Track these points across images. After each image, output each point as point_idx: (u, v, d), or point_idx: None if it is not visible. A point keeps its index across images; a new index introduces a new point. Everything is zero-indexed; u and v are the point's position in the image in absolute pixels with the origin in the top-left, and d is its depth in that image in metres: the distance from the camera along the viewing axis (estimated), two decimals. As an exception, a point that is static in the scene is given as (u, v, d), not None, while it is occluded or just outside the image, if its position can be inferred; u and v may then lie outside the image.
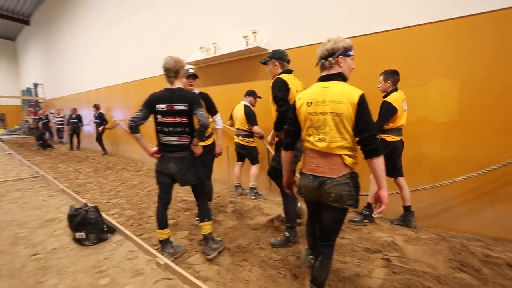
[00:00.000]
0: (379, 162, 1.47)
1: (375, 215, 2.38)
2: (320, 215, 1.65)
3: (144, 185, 4.73)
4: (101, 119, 8.06)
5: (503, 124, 2.49)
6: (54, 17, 12.14)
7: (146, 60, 6.78)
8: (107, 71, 8.57)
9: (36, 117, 10.47)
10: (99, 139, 8.24)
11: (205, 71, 5.03)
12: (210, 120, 2.85)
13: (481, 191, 2.62)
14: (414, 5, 2.84)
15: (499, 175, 2.50)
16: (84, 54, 10.00)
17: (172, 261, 2.16)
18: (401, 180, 2.82)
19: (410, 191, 2.85)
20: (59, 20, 11.61)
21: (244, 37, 4.14)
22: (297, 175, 1.95)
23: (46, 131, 10.24)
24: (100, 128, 8.08)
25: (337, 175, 1.50)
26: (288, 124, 1.76)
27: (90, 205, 2.90)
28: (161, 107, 2.13)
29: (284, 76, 2.33)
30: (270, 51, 3.99)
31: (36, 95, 15.02)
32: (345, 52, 1.54)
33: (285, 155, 1.83)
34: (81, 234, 2.54)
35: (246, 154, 3.98)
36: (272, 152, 2.84)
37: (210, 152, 2.95)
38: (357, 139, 1.49)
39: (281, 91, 2.25)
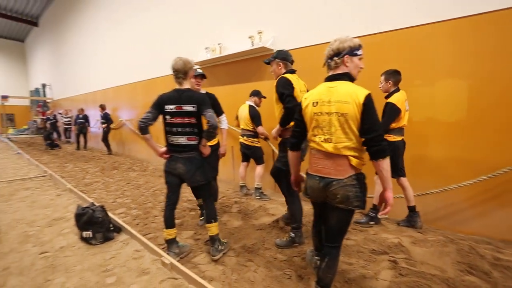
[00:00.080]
0: (385, 164, 1.45)
1: (380, 216, 2.38)
2: (327, 216, 1.64)
3: (149, 184, 4.77)
4: (106, 119, 8.14)
5: (512, 124, 2.45)
6: (62, 18, 12.32)
7: (152, 60, 6.83)
8: (114, 71, 8.65)
9: (44, 117, 10.63)
10: (105, 139, 8.33)
11: (210, 71, 5.04)
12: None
13: (491, 193, 2.57)
14: (420, 4, 2.80)
15: (510, 177, 2.45)
16: (91, 54, 10.13)
17: (178, 261, 2.17)
18: (404, 180, 2.79)
19: (418, 195, 2.82)
20: (67, 21, 11.77)
21: (250, 37, 4.14)
22: (302, 174, 1.95)
23: (53, 131, 10.40)
24: (104, 125, 8.15)
25: (344, 176, 1.49)
26: (294, 124, 1.76)
27: (97, 204, 2.93)
28: (170, 107, 2.15)
29: (288, 76, 2.35)
30: (275, 51, 4.01)
31: (44, 96, 15.26)
32: (352, 51, 1.52)
33: (291, 155, 1.84)
34: (88, 233, 2.57)
35: (250, 154, 3.98)
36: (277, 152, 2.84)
37: (214, 152, 2.96)
38: (363, 139, 1.47)
39: (287, 89, 2.27)
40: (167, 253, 2.25)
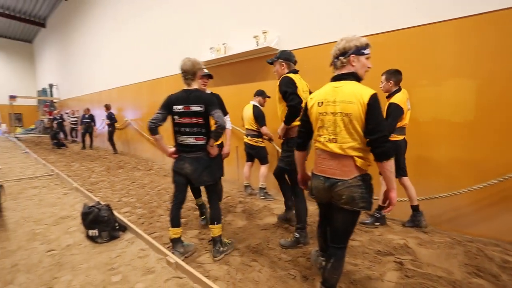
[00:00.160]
0: (389, 165, 1.44)
1: (384, 213, 2.39)
2: (332, 217, 1.63)
3: (154, 184, 4.79)
4: (110, 119, 8.22)
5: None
6: (69, 19, 12.47)
7: (157, 60, 6.87)
8: (119, 71, 8.73)
9: (51, 117, 10.77)
10: (110, 138, 8.40)
11: (215, 71, 5.04)
12: None
13: (500, 196, 2.52)
14: (426, 3, 2.77)
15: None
16: (97, 54, 10.23)
17: (183, 260, 2.18)
18: (405, 179, 2.77)
19: (426, 199, 2.80)
20: (74, 22, 11.92)
21: (254, 37, 4.14)
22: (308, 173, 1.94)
23: (60, 130, 10.53)
24: (107, 122, 8.24)
25: (349, 177, 1.48)
26: (300, 124, 1.77)
27: (102, 203, 2.96)
28: (178, 108, 2.16)
29: (291, 75, 2.37)
30: (279, 51, 4.00)
31: (51, 95, 15.47)
32: (358, 50, 1.51)
33: (298, 154, 1.85)
34: (94, 232, 2.60)
35: (255, 154, 3.97)
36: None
37: (218, 153, 2.96)
38: (368, 140, 1.45)
39: (290, 87, 2.28)
40: (172, 252, 2.26)
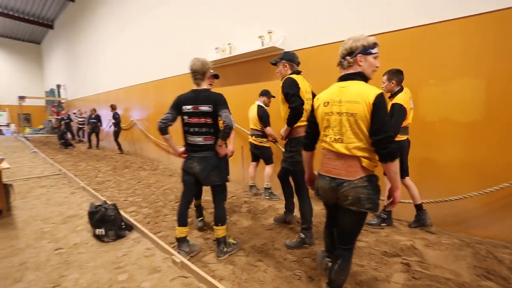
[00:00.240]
0: (394, 166, 1.43)
1: (386, 209, 2.38)
2: (339, 218, 1.62)
3: (160, 183, 4.82)
4: (114, 119, 8.31)
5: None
6: (76, 20, 12.64)
7: (163, 61, 6.92)
8: (126, 72, 8.81)
9: (59, 117, 10.92)
10: (116, 139, 8.49)
11: (220, 72, 5.03)
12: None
13: (511, 198, 2.48)
14: (432, 1, 2.74)
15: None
16: (103, 55, 10.34)
17: (188, 260, 2.18)
18: (408, 180, 2.75)
19: (435, 202, 2.76)
20: (81, 23, 12.07)
21: (260, 37, 4.13)
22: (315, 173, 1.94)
23: (67, 130, 10.67)
24: (113, 121, 8.33)
25: (355, 178, 1.47)
26: (307, 125, 1.77)
27: (109, 202, 2.98)
28: (187, 108, 2.18)
29: (294, 76, 2.38)
30: (283, 51, 4.00)
31: (59, 96, 15.69)
32: (365, 50, 1.49)
33: (305, 155, 1.85)
34: (100, 231, 2.62)
35: (259, 154, 3.97)
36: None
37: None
38: (373, 140, 1.43)
39: (292, 89, 2.30)
40: (178, 252, 2.27)
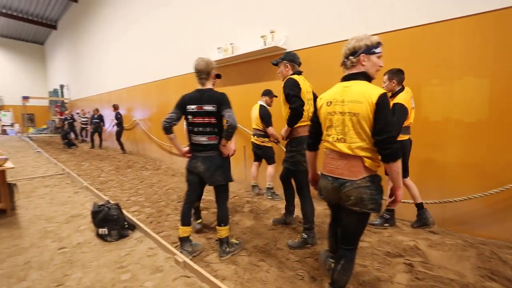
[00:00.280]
0: (397, 167, 1.43)
1: (388, 207, 2.39)
2: (341, 219, 1.62)
3: (162, 183, 4.84)
4: (116, 119, 8.36)
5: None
6: (79, 21, 12.71)
7: (165, 61, 6.93)
8: (128, 72, 8.84)
9: (62, 117, 10.98)
10: (118, 138, 8.53)
11: (223, 71, 5.02)
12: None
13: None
14: (435, 1, 2.72)
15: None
16: (106, 55, 10.39)
17: (191, 259, 2.19)
18: (408, 179, 2.74)
19: (440, 202, 2.75)
20: (84, 23, 12.14)
21: (262, 36, 4.13)
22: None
23: (70, 130, 10.73)
24: (115, 121, 8.38)
25: (357, 178, 1.46)
26: (311, 125, 1.77)
27: (112, 202, 3.00)
28: (191, 107, 2.18)
29: (295, 77, 2.39)
30: (288, 50, 3.99)
31: (62, 96, 15.78)
32: (369, 50, 1.49)
33: (308, 155, 1.85)
34: (103, 230, 2.64)
35: (261, 154, 3.97)
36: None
37: None
38: (375, 140, 1.43)
39: (293, 90, 2.31)
40: (180, 251, 2.27)
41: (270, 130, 3.68)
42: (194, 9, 5.79)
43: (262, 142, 3.86)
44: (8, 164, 3.24)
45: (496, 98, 2.48)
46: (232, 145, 3.07)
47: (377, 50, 1.50)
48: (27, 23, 15.51)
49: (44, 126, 16.96)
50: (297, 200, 2.63)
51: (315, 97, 2.64)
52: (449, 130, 2.75)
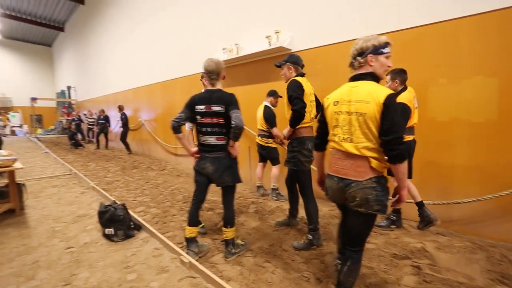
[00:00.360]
0: (403, 167, 1.42)
1: (391, 207, 2.36)
2: (347, 220, 1.61)
3: (168, 184, 4.86)
4: (121, 120, 8.45)
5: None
6: (86, 23, 12.87)
7: (169, 62, 6.98)
8: (134, 73, 8.91)
9: (69, 118, 11.13)
10: (122, 139, 8.61)
11: (227, 72, 5.04)
12: None
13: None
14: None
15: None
16: (112, 57, 10.50)
17: (196, 260, 2.19)
18: (409, 181, 2.70)
19: (449, 203, 2.71)
20: (91, 24, 12.28)
21: (267, 37, 4.13)
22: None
23: (77, 131, 10.87)
24: (121, 122, 8.48)
25: (363, 178, 1.45)
26: (318, 125, 1.76)
27: (118, 202, 3.02)
28: (200, 108, 2.19)
29: (299, 78, 2.42)
30: (293, 50, 3.98)
31: (69, 97, 16.01)
32: (376, 50, 1.48)
33: (316, 155, 1.85)
34: (110, 230, 2.66)
35: (266, 154, 3.96)
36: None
37: None
38: (382, 141, 1.41)
39: (295, 91, 2.34)
40: (186, 252, 2.28)
41: (275, 131, 3.67)
42: (198, 10, 5.81)
43: (266, 143, 3.86)
44: (17, 165, 3.29)
45: (506, 98, 2.43)
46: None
47: (385, 50, 1.49)
48: (36, 25, 15.80)
49: (52, 127, 17.23)
50: (301, 201, 2.62)
51: (316, 99, 2.65)
52: (457, 130, 2.71)
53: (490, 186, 2.51)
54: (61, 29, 16.69)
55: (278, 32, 4.04)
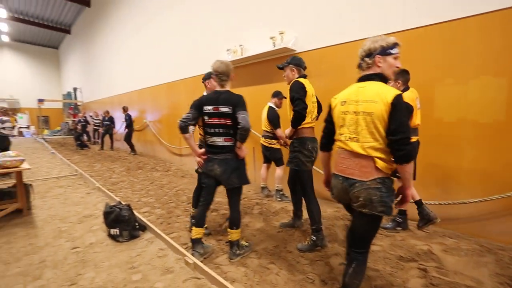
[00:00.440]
0: (409, 168, 1.42)
1: (395, 207, 2.34)
2: (352, 220, 1.59)
3: (172, 185, 4.88)
4: (125, 121, 8.52)
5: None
6: (91, 25, 13.03)
7: (174, 64, 7.02)
8: (139, 74, 8.98)
9: (76, 119, 11.26)
10: (127, 139, 8.68)
11: (231, 73, 5.09)
12: None
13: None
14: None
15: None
16: (117, 59, 10.60)
17: (201, 261, 2.19)
18: None
19: (455, 203, 2.67)
20: (97, 26, 12.42)
21: (271, 38, 4.12)
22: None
23: (83, 132, 10.99)
24: (125, 123, 8.56)
25: (368, 178, 1.44)
26: (324, 125, 1.76)
27: (123, 203, 3.04)
28: (208, 108, 2.21)
29: (302, 80, 2.45)
30: (297, 51, 3.98)
31: (75, 99, 16.19)
32: (384, 51, 1.47)
33: (322, 155, 1.84)
34: (115, 231, 2.68)
35: (269, 155, 3.96)
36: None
37: None
38: (389, 141, 1.40)
39: (298, 93, 2.37)
40: (192, 253, 2.28)
41: (278, 132, 3.67)
42: (202, 11, 5.84)
43: (269, 143, 3.86)
44: (25, 165, 3.33)
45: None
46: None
47: (393, 51, 1.48)
48: (43, 28, 16.05)
49: (58, 128, 17.43)
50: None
51: (317, 101, 2.68)
52: (463, 131, 2.67)
53: (498, 187, 2.47)
54: (67, 31, 16.94)
55: (282, 33, 4.03)
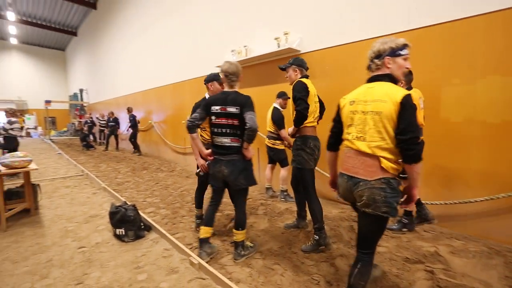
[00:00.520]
0: (418, 167, 1.40)
1: (400, 207, 2.32)
2: (358, 221, 1.58)
3: (177, 185, 4.90)
4: (129, 121, 8.60)
5: None
6: (97, 27, 13.19)
7: (179, 64, 7.05)
8: (143, 75, 9.05)
9: (82, 120, 11.39)
10: (131, 140, 8.74)
11: (236, 74, 5.09)
12: None
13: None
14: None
15: None
16: (122, 60, 10.70)
17: (206, 262, 2.19)
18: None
19: (460, 203, 2.64)
20: (103, 27, 12.56)
21: (276, 38, 4.12)
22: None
23: (89, 133, 11.12)
24: (129, 124, 8.66)
25: (372, 178, 1.43)
26: (332, 125, 1.77)
27: (129, 203, 3.06)
28: (215, 108, 2.22)
29: (304, 80, 2.48)
30: (302, 52, 3.97)
31: (82, 100, 16.39)
32: (394, 52, 1.48)
33: (328, 155, 1.84)
34: (121, 231, 2.70)
35: (273, 156, 3.96)
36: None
37: None
38: (398, 141, 1.39)
39: (300, 93, 2.39)
40: (199, 253, 2.29)
41: (283, 133, 3.67)
42: (207, 12, 5.86)
43: (273, 144, 3.85)
44: (32, 166, 3.38)
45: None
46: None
47: (402, 52, 1.49)
48: (50, 30, 16.30)
49: (65, 129, 17.66)
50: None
51: (320, 101, 2.70)
52: (471, 131, 2.63)
53: (506, 187, 2.42)
54: (74, 33, 17.18)
55: (287, 34, 4.03)
